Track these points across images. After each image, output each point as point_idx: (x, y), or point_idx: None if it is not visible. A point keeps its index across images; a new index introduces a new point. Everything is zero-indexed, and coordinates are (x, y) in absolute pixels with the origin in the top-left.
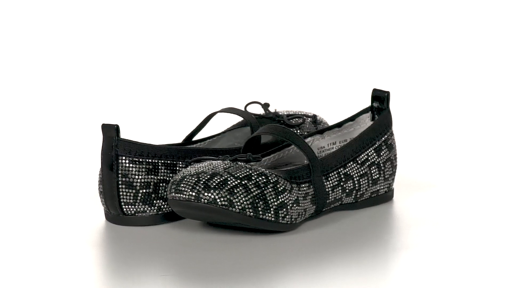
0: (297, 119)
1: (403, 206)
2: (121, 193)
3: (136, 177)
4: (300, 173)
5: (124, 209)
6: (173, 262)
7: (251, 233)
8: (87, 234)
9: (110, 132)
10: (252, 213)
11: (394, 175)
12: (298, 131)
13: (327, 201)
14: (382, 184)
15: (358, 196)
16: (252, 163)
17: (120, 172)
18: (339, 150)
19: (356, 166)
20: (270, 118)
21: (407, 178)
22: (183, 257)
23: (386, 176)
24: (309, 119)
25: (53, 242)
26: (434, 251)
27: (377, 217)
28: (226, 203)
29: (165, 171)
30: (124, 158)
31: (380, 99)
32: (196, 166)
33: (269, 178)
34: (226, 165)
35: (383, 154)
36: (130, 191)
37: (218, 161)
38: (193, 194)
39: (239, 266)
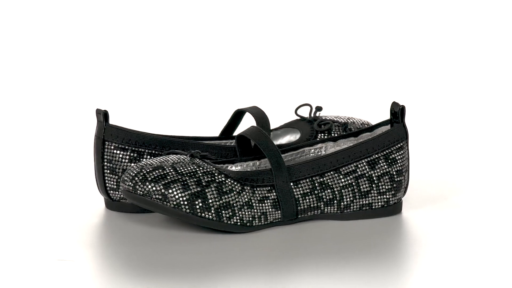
0: (324, 125)
1: (411, 219)
2: (106, 178)
3: (119, 163)
4: (257, 176)
5: (110, 194)
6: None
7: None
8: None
9: (99, 116)
10: (188, 210)
11: (398, 191)
12: (327, 136)
13: (299, 208)
14: (376, 198)
15: (342, 207)
16: (228, 165)
17: (105, 157)
18: (316, 158)
19: (338, 176)
20: (309, 122)
21: (418, 190)
22: (147, 249)
23: (381, 191)
24: (338, 125)
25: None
26: (434, 266)
27: (376, 229)
28: (160, 197)
29: None
30: (110, 143)
31: (395, 112)
32: (156, 158)
33: (215, 177)
34: (178, 160)
35: (379, 167)
36: (114, 176)
37: (178, 155)
38: (131, 184)
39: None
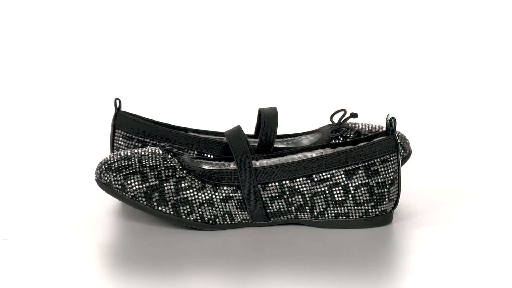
0: (337, 131)
1: (394, 233)
2: None
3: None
4: (223, 176)
5: None
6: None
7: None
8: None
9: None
10: (145, 202)
11: (380, 203)
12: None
13: (269, 211)
14: (353, 208)
15: (316, 214)
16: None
17: (115, 145)
18: (288, 163)
19: (309, 182)
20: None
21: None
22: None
23: (358, 201)
24: (353, 132)
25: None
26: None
27: (352, 239)
28: (119, 187)
29: None
30: (119, 131)
31: (386, 125)
32: (133, 149)
33: (176, 172)
34: (149, 152)
35: (357, 178)
36: None
37: (154, 148)
38: (98, 172)
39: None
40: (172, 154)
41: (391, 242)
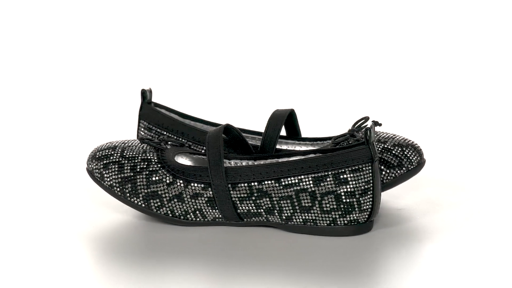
0: (340, 137)
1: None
2: None
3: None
4: (195, 172)
5: None
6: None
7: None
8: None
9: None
10: (119, 192)
11: (349, 213)
12: None
13: (239, 211)
14: (320, 215)
15: (284, 218)
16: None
17: (138, 134)
18: (258, 165)
19: (277, 186)
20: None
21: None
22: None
23: (325, 209)
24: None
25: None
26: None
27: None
28: (98, 175)
29: None
30: (142, 122)
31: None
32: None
33: (151, 166)
34: (135, 144)
35: (325, 185)
36: None
37: (142, 140)
38: (87, 160)
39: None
40: (153, 147)
41: (360, 248)
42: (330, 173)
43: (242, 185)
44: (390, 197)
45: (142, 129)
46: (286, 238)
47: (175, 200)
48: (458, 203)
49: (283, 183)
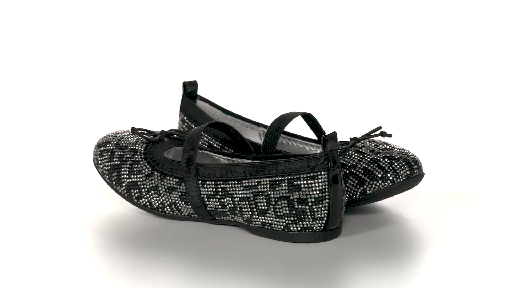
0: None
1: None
2: None
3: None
4: (171, 166)
5: None
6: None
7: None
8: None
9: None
10: (108, 180)
11: (302, 220)
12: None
13: (208, 209)
14: (274, 219)
15: (245, 219)
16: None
17: (179, 126)
18: (225, 165)
19: (239, 186)
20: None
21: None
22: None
23: (278, 213)
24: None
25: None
26: None
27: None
28: (95, 161)
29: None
30: (180, 114)
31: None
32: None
33: (135, 156)
34: (126, 134)
35: (279, 190)
36: None
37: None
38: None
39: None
40: (145, 139)
41: (319, 254)
42: (286, 178)
43: (209, 182)
44: (388, 206)
45: (180, 121)
46: (254, 240)
47: (152, 192)
48: (451, 216)
49: (243, 184)
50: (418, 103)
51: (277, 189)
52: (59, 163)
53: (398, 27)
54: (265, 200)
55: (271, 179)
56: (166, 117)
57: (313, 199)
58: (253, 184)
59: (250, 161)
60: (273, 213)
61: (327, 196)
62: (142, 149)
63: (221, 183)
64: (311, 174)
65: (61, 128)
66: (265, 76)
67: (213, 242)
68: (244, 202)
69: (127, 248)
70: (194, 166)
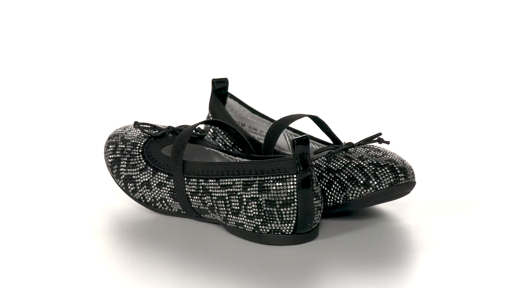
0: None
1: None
2: None
3: None
4: (162, 162)
5: None
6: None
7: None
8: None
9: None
10: (110, 173)
11: (270, 222)
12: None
13: (192, 206)
14: (246, 220)
15: (222, 218)
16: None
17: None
18: (206, 163)
19: (216, 185)
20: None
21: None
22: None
23: (249, 214)
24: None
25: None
26: None
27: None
28: (104, 153)
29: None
30: (209, 111)
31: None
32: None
33: (134, 150)
34: (132, 127)
35: (250, 191)
36: None
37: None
38: None
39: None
40: (146, 133)
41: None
42: (257, 179)
43: (193, 180)
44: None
45: (207, 118)
46: (231, 239)
47: (145, 186)
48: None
49: (221, 183)
50: (418, 110)
51: (249, 189)
52: (84, 154)
53: (407, 31)
54: (237, 200)
55: (244, 180)
56: (196, 114)
57: (281, 202)
58: (228, 183)
59: (243, 160)
60: (244, 213)
61: (295, 200)
62: (141, 143)
63: (202, 181)
64: (280, 177)
65: (88, 122)
66: (288, 75)
67: (191, 240)
68: (220, 201)
69: (114, 240)
70: (181, 162)
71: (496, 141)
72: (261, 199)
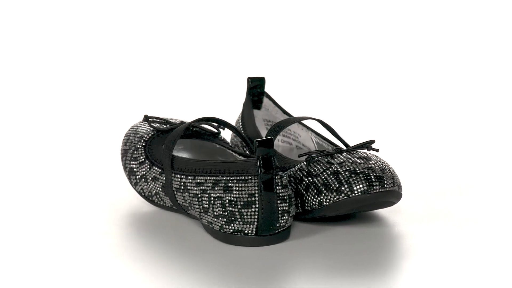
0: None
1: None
2: None
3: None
4: (158, 156)
5: None
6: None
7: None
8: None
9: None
10: (121, 161)
11: (232, 222)
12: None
13: (178, 202)
14: (213, 219)
15: (197, 215)
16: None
17: None
18: (188, 159)
19: (193, 183)
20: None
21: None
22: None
23: (215, 213)
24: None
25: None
26: None
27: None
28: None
29: None
30: (243, 109)
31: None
32: None
33: (138, 143)
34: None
35: (217, 190)
36: None
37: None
38: None
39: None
40: (152, 127)
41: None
42: (223, 179)
43: (177, 176)
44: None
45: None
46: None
47: (143, 180)
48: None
49: (196, 181)
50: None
51: (216, 188)
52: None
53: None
54: (207, 199)
55: (214, 178)
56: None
57: (242, 203)
58: (201, 181)
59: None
60: (212, 212)
61: (256, 201)
62: (147, 137)
63: (184, 177)
64: (243, 178)
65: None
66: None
67: (170, 236)
68: (194, 199)
69: (106, 232)
70: (169, 157)
71: (488, 148)
72: (225, 199)
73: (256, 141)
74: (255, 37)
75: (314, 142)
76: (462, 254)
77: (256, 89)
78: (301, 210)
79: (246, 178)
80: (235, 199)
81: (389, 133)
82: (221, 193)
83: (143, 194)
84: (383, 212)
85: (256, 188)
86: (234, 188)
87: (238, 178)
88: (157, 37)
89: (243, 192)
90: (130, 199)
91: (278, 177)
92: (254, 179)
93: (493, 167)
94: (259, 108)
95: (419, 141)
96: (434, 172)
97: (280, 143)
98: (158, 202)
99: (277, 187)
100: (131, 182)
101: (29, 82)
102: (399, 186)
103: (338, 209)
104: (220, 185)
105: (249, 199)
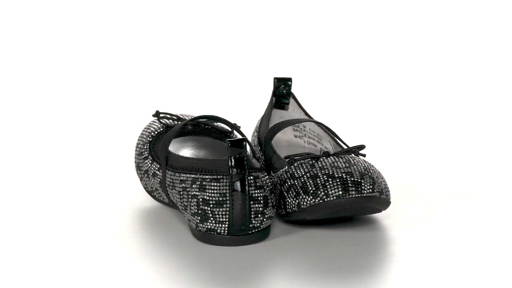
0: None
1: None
2: None
3: None
4: (157, 154)
5: None
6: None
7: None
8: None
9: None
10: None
11: (205, 220)
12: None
13: (171, 198)
14: (191, 217)
15: (182, 212)
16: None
17: None
18: (179, 156)
19: (177, 180)
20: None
21: None
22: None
23: (192, 211)
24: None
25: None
26: None
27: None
28: None
29: None
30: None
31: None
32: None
33: (147, 139)
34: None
35: (194, 188)
36: None
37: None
38: None
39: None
40: (161, 123)
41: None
42: (200, 177)
43: (169, 172)
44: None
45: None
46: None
47: (145, 175)
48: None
49: (180, 178)
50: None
51: (193, 186)
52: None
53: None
54: (186, 196)
55: (193, 176)
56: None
57: (214, 202)
58: (183, 179)
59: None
60: (189, 210)
61: (227, 201)
62: (155, 133)
63: (172, 174)
64: (215, 177)
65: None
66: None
67: (161, 231)
68: (178, 196)
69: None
70: (164, 154)
71: (485, 154)
72: (199, 197)
73: (228, 140)
74: (284, 37)
75: (332, 144)
76: (451, 261)
77: (280, 90)
78: (284, 212)
79: (218, 177)
80: (207, 198)
81: (388, 137)
82: (197, 192)
83: (147, 189)
84: (375, 216)
85: (227, 187)
86: (208, 187)
87: (211, 177)
88: (197, 38)
89: (215, 192)
90: (136, 195)
91: (252, 177)
92: (226, 179)
93: (490, 172)
94: (284, 108)
95: (417, 146)
96: (431, 178)
97: (306, 145)
98: (158, 197)
99: (250, 188)
100: (138, 176)
101: (38, 80)
102: (381, 192)
103: (315, 213)
104: (197, 183)
105: (221, 198)
